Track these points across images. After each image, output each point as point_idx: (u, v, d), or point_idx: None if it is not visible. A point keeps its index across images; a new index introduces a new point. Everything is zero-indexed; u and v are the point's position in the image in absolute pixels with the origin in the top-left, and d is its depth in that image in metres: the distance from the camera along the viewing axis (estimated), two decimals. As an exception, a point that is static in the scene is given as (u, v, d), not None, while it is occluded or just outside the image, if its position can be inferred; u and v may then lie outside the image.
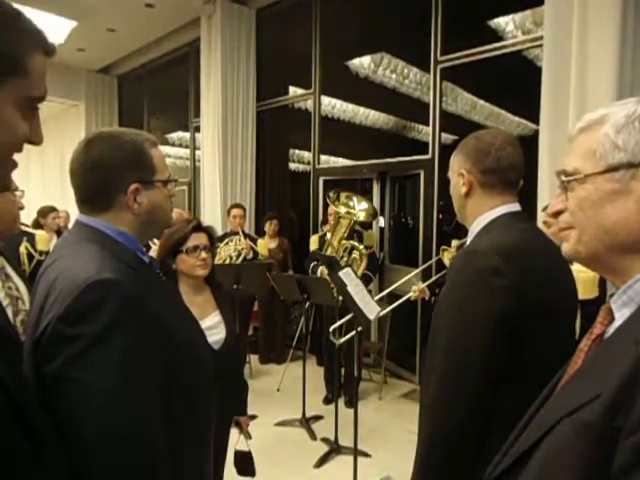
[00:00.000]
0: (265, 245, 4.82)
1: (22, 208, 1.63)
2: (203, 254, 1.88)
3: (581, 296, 2.16)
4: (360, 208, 4.07)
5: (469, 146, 1.25)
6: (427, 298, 3.44)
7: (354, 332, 2.92)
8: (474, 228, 1.24)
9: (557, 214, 0.75)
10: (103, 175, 1.02)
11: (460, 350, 1.09)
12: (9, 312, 1.58)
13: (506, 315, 1.05)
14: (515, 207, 1.23)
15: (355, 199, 4.11)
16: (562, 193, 0.74)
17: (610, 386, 0.58)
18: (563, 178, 0.73)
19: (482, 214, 1.23)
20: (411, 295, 3.45)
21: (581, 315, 1.73)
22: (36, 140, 0.74)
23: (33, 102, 0.72)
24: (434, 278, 3.75)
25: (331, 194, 4.09)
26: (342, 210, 4.00)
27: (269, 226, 5.05)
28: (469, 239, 1.26)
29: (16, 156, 0.75)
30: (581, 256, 0.73)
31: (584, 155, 0.70)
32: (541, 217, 2.64)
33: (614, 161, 0.66)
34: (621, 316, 0.67)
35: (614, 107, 0.69)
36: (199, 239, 1.90)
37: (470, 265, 1.13)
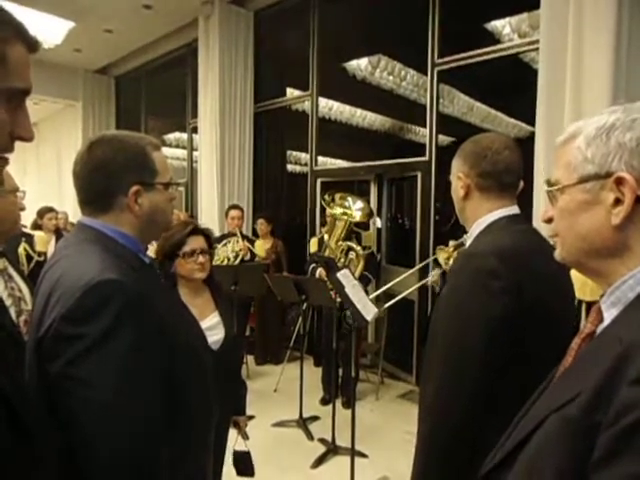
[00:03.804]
0: (262, 246, 4.83)
1: (23, 209, 1.62)
2: (200, 258, 1.88)
3: (589, 298, 2.19)
4: (356, 208, 4.09)
5: (467, 149, 1.27)
6: (437, 289, 3.44)
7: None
8: (473, 230, 1.26)
9: (550, 220, 0.78)
10: (105, 177, 1.03)
11: (458, 351, 1.10)
12: (12, 312, 1.58)
13: (504, 316, 1.07)
14: (513, 210, 1.25)
15: (350, 199, 4.12)
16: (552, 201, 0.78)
17: (592, 383, 0.60)
18: (546, 188, 0.77)
19: (481, 217, 1.24)
20: (428, 280, 3.45)
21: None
22: (24, 135, 0.71)
23: (15, 94, 0.69)
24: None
25: (326, 197, 4.09)
26: (338, 211, 4.02)
27: (259, 226, 5.03)
28: (468, 241, 1.27)
29: (12, 155, 0.73)
30: (567, 261, 0.78)
31: (562, 167, 0.74)
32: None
33: (584, 172, 0.70)
34: (609, 316, 0.70)
35: (591, 119, 0.72)
36: (196, 243, 1.90)
37: (468, 267, 1.15)
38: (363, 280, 3.88)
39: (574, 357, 0.75)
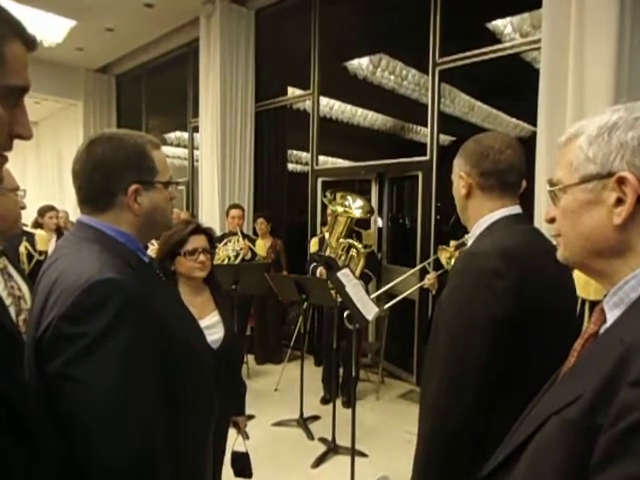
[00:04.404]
0: (263, 245, 4.83)
1: (24, 208, 1.62)
2: (202, 257, 1.88)
3: (593, 297, 2.18)
4: (356, 206, 4.09)
5: (469, 149, 1.26)
6: (433, 292, 3.46)
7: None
8: (475, 230, 1.25)
9: (552, 220, 0.78)
10: (104, 175, 1.03)
11: (460, 350, 1.09)
12: (12, 311, 1.58)
13: (506, 316, 1.06)
14: (516, 209, 1.24)
15: (350, 198, 4.12)
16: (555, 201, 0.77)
17: (592, 385, 0.60)
18: (548, 188, 0.76)
19: (483, 216, 1.24)
20: (425, 282, 3.47)
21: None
22: (23, 133, 0.71)
23: (13, 92, 0.68)
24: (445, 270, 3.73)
25: (328, 194, 4.10)
26: (339, 209, 4.02)
27: (258, 226, 5.03)
28: (470, 241, 1.27)
29: (12, 154, 0.72)
30: (570, 261, 0.77)
31: (565, 166, 0.73)
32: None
33: (586, 172, 0.69)
34: (612, 317, 0.70)
35: (593, 118, 0.71)
36: (198, 242, 1.89)
37: (471, 267, 1.14)
38: (364, 278, 3.88)
39: (577, 358, 0.74)
